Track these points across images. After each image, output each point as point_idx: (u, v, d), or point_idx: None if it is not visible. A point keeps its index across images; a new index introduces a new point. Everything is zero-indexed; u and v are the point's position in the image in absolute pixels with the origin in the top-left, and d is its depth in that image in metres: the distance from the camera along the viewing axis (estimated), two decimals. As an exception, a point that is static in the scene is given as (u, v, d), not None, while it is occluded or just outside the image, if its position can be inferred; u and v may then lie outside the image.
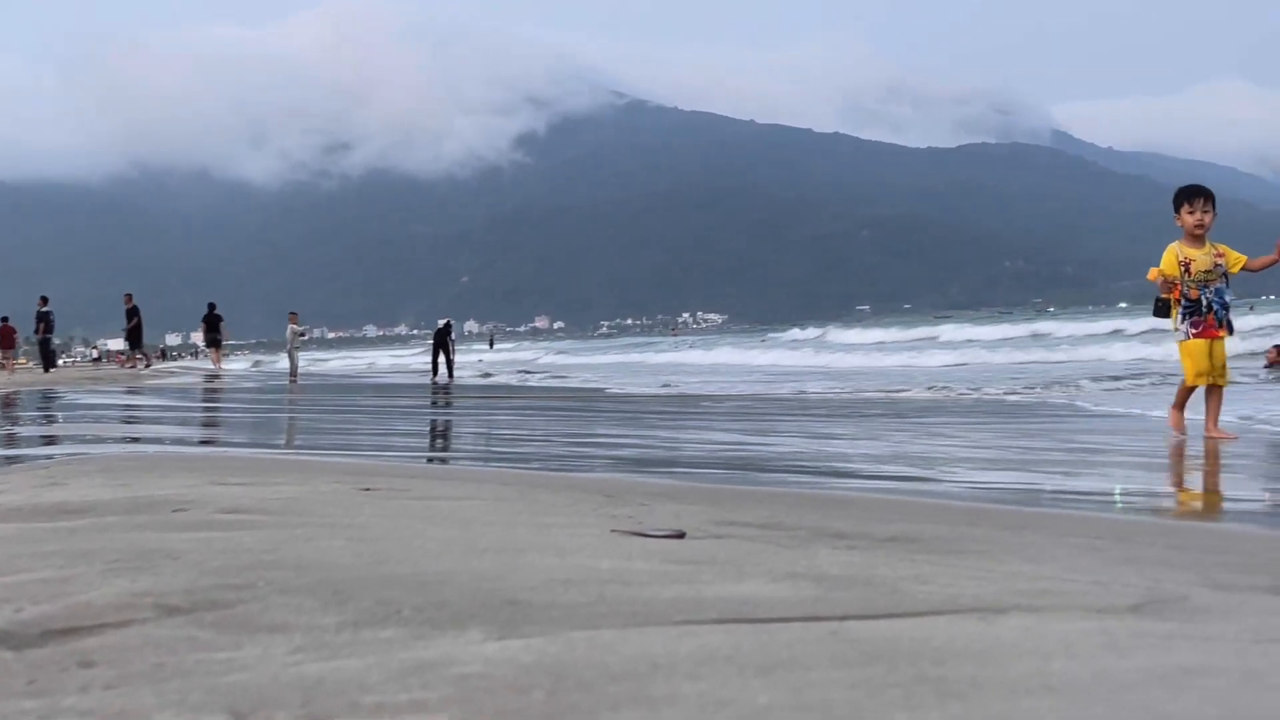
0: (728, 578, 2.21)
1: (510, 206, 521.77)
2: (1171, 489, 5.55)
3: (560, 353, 66.34)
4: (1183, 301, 7.80)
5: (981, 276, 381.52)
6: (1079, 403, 13.04)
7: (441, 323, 33.99)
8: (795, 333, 72.58)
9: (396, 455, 7.42)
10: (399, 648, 1.60)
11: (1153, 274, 7.93)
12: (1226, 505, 4.89)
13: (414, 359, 57.83)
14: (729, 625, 1.75)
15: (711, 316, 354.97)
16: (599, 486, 4.51)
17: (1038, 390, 15.88)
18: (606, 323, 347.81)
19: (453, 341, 33.41)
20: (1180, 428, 7.84)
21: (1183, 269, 7.77)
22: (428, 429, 11.09)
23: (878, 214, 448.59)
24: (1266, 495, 5.38)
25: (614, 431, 9.99)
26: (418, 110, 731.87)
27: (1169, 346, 22.00)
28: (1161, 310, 7.97)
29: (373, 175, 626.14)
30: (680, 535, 2.95)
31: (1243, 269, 7.83)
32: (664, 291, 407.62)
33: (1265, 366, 17.94)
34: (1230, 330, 7.86)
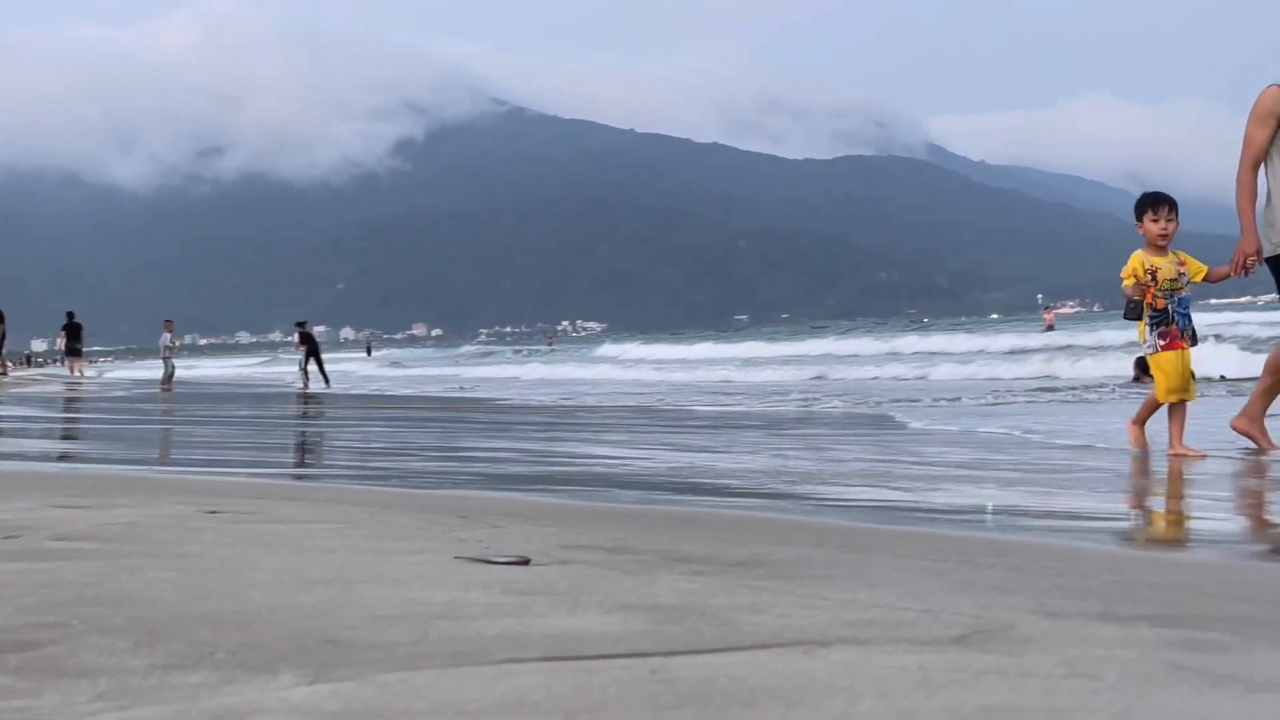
0: (561, 610, 2.20)
1: (388, 213, 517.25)
2: (1035, 505, 5.60)
3: (393, 364, 64.21)
4: (1149, 312, 7.63)
5: (857, 287, 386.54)
6: (933, 418, 13.23)
7: (307, 328, 33.35)
8: (608, 347, 71.50)
9: (254, 471, 7.28)
10: (205, 694, 1.56)
11: (1128, 280, 7.71)
12: (1080, 522, 4.94)
13: (288, 368, 56.99)
14: (551, 664, 1.73)
15: (591, 325, 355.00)
16: (455, 506, 4.46)
17: (883, 404, 16.07)
18: (485, 331, 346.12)
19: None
20: (1141, 443, 7.70)
21: (1149, 277, 7.61)
22: (293, 441, 10.92)
23: (756, 224, 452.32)
24: (1123, 509, 5.47)
25: (482, 444, 9.92)
26: (293, 115, 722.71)
27: (1029, 365, 22.22)
28: (1133, 313, 7.78)
29: (247, 180, 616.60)
30: (525, 562, 2.92)
31: (1203, 279, 7.78)
32: (543, 300, 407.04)
33: (1134, 379, 18.27)
34: (1194, 341, 7.73)
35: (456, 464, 7.86)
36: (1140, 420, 7.81)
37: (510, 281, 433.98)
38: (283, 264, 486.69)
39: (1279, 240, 7.50)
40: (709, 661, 1.78)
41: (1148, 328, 7.65)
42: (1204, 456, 7.26)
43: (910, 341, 39.45)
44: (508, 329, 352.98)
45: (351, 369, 53.30)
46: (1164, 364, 7.58)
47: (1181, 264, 7.69)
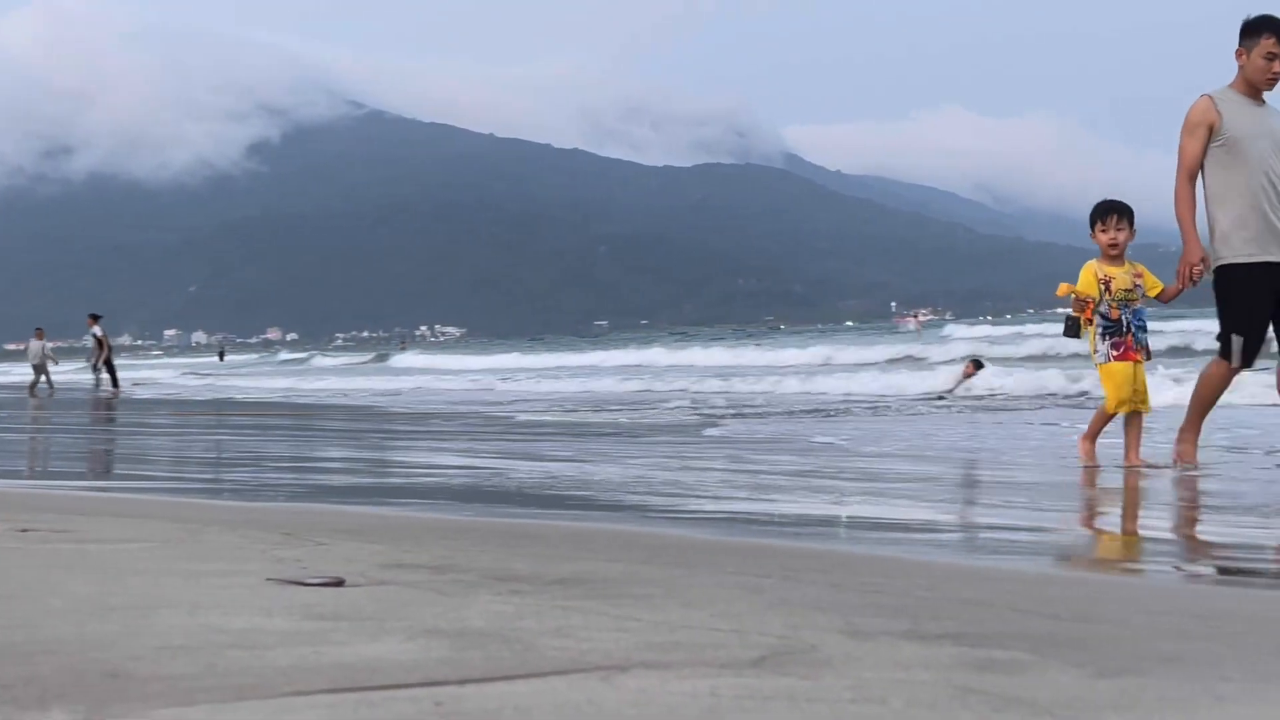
0: (362, 636, 2.17)
1: (242, 216, 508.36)
2: (876, 516, 5.65)
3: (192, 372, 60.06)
4: (1102, 322, 7.47)
5: (716, 294, 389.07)
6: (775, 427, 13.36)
7: (100, 325, 32.41)
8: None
9: (77, 484, 7.08)
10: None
11: (1063, 289, 7.61)
12: (914, 534, 5.00)
13: (137, 372, 55.64)
14: (336, 696, 1.70)
15: (450, 330, 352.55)
16: (282, 522, 4.38)
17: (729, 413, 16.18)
18: (342, 335, 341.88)
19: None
20: (1091, 457, 7.51)
21: (1103, 287, 7.47)
22: (126, 451, 10.65)
23: (616, 230, 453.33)
24: (962, 521, 5.54)
25: (327, 454, 9.77)
26: (145, 115, 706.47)
27: (860, 379, 22.46)
28: (1072, 329, 7.59)
29: (96, 181, 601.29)
30: (339, 583, 2.87)
31: (1157, 296, 7.59)
32: (402, 304, 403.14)
33: (955, 387, 18.53)
34: (1148, 355, 7.58)
35: (295, 475, 7.73)
36: (1091, 435, 7.59)
37: (368, 286, 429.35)
38: (134, 266, 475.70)
39: (1227, 253, 7.36)
40: (502, 690, 1.77)
41: (1099, 337, 7.49)
42: (1161, 467, 7.25)
43: (753, 353, 39.84)
44: (365, 333, 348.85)
45: (156, 375, 52.49)
46: (1114, 374, 7.42)
47: (1138, 275, 7.57)
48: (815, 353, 36.01)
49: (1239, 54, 7.42)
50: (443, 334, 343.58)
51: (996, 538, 4.97)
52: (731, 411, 15.77)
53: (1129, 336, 7.42)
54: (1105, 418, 7.51)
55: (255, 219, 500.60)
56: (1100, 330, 7.45)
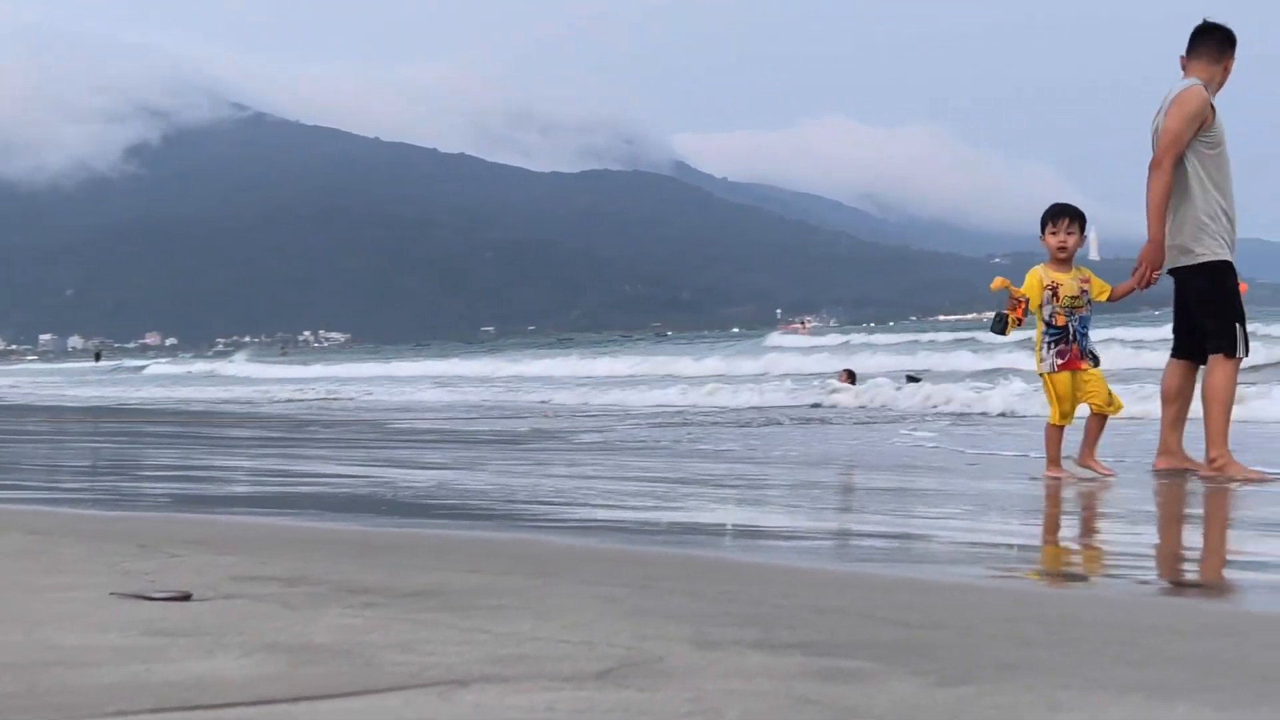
0: (199, 653, 2.11)
1: (121, 219, 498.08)
2: (740, 521, 5.68)
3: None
4: (1047, 330, 7.27)
5: (603, 300, 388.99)
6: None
7: None
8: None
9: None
10: None
11: (998, 283, 7.38)
12: (778, 540, 5.03)
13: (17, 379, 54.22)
14: (162, 715, 1.65)
15: (334, 335, 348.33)
16: (139, 532, 4.30)
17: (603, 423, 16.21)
18: (223, 340, 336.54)
19: None
20: (1062, 471, 7.32)
21: (1050, 293, 7.24)
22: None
23: (503, 236, 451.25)
24: (821, 526, 5.58)
25: (197, 461, 9.61)
26: (19, 117, 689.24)
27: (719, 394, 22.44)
28: (999, 326, 7.38)
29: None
30: (185, 597, 2.80)
31: (1108, 299, 7.42)
32: (284, 309, 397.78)
33: (834, 391, 18.57)
34: (1095, 361, 7.36)
35: (162, 483, 7.58)
36: (1054, 459, 7.34)
37: (250, 290, 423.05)
38: (8, 270, 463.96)
39: (1218, 250, 7.20)
40: (334, 708, 1.73)
41: (1044, 345, 7.32)
42: (1113, 474, 7.19)
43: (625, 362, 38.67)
44: (246, 338, 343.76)
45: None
46: (1057, 384, 7.26)
47: (1085, 281, 7.35)
48: (707, 365, 33.86)
49: (1226, 63, 7.36)
50: (327, 339, 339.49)
51: (863, 545, 5.02)
52: (615, 420, 15.78)
53: (1074, 345, 7.26)
54: (1055, 432, 7.31)
55: (134, 222, 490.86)
56: (1046, 339, 7.30)
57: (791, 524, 5.61)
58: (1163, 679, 2.20)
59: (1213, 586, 3.88)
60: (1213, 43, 7.38)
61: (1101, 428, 7.36)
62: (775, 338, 55.98)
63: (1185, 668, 2.34)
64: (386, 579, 3.23)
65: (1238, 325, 7.15)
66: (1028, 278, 7.37)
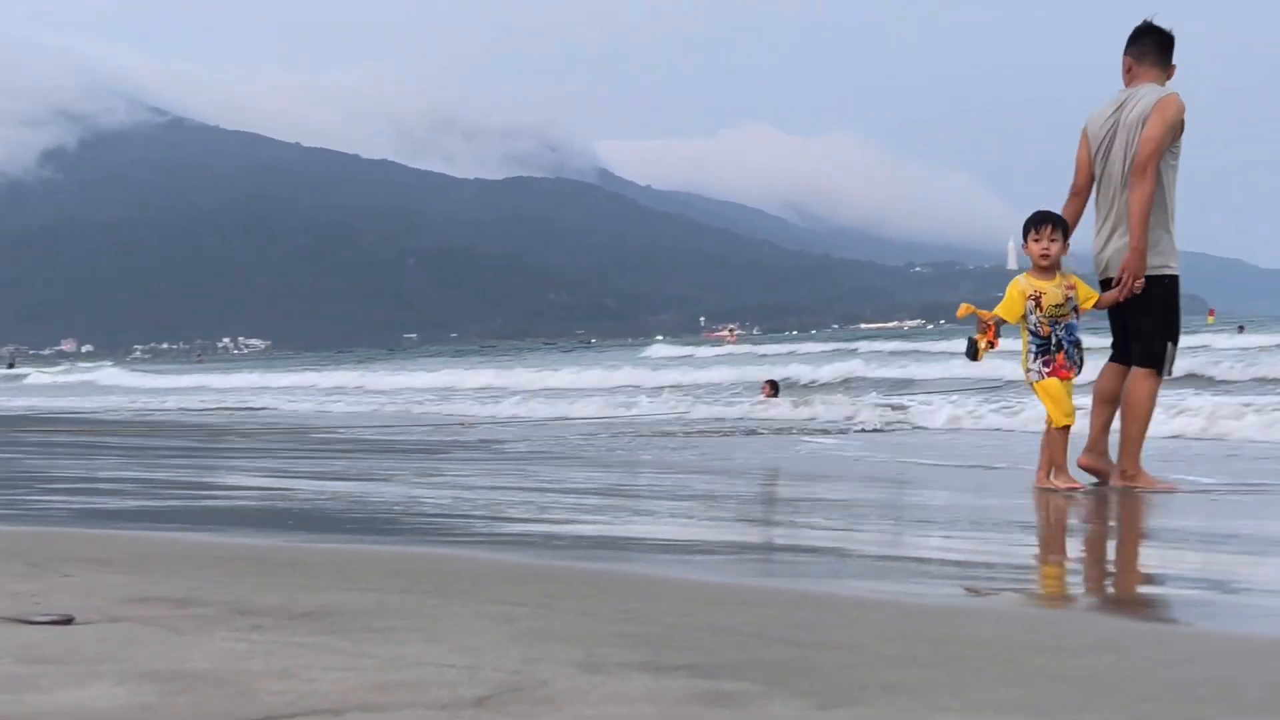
0: (71, 682, 2.06)
1: (36, 224, 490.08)
2: (652, 535, 5.64)
3: None
4: (1033, 339, 7.10)
5: (527, 307, 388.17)
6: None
7: None
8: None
9: None
10: None
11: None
12: (690, 555, 5.02)
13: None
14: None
15: (254, 342, 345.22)
16: (31, 550, 4.20)
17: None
18: (140, 347, 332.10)
19: None
20: (1071, 480, 7.12)
21: (1033, 302, 7.05)
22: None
23: (426, 243, 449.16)
24: (735, 538, 5.57)
25: (110, 473, 9.43)
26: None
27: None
28: (970, 351, 7.18)
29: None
30: (68, 620, 2.73)
31: (1093, 306, 7.20)
32: (203, 315, 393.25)
33: (758, 403, 18.45)
34: (1080, 369, 7.20)
35: (61, 496, 7.43)
36: (1058, 467, 7.14)
37: (168, 296, 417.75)
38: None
39: (1173, 264, 7.16)
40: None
41: (1030, 355, 7.14)
42: (1082, 486, 7.09)
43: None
44: (164, 345, 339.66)
45: None
46: (1050, 389, 7.07)
47: (1071, 288, 7.13)
48: (627, 374, 32.68)
49: (1172, 69, 7.31)
50: (246, 346, 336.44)
51: (773, 558, 5.03)
52: (534, 430, 15.72)
53: (1060, 354, 7.08)
54: (1059, 433, 7.12)
55: (50, 228, 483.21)
56: (1031, 349, 7.13)
57: (706, 536, 5.60)
58: (1044, 699, 2.20)
59: (1104, 601, 3.92)
60: (1165, 46, 7.35)
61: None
62: (658, 348, 56.36)
63: (1068, 687, 2.34)
64: (280, 599, 3.19)
65: (1171, 345, 7.16)
66: (1009, 288, 7.16)
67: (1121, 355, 7.40)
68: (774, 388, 20.00)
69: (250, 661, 2.31)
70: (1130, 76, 7.34)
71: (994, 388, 19.20)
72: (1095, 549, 5.54)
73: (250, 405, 26.97)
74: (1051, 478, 7.11)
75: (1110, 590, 4.22)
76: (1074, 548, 5.51)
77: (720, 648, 2.69)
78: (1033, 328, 7.10)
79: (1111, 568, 4.93)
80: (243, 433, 16.09)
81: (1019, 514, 6.49)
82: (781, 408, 17.19)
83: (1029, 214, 7.25)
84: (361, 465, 10.22)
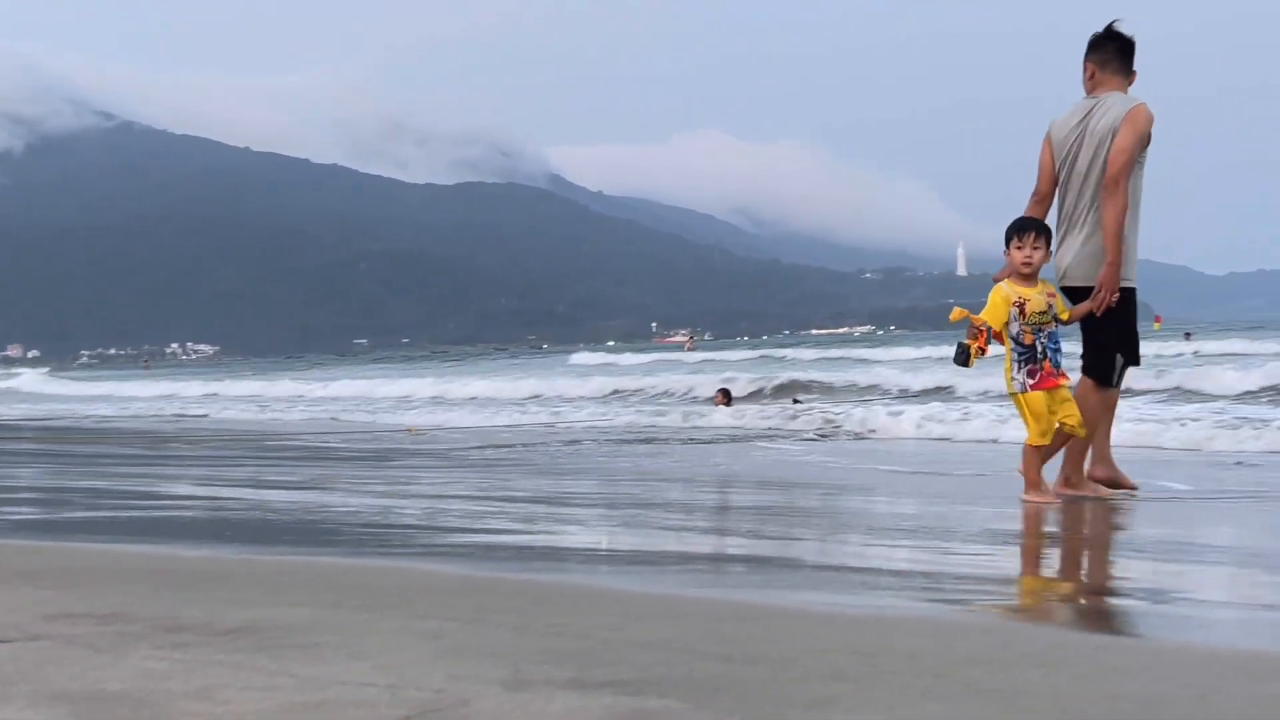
0: (-19, 704, 1.97)
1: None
2: (591, 545, 5.62)
3: None
4: (1016, 348, 6.93)
5: (479, 312, 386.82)
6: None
7: None
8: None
9: None
10: None
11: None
12: (627, 566, 4.99)
13: None
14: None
15: (203, 348, 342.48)
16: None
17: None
18: (87, 352, 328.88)
19: None
20: (1044, 494, 6.98)
21: (1016, 309, 6.91)
22: None
23: (377, 247, 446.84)
24: (675, 548, 5.54)
25: (48, 483, 9.31)
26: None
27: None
28: (961, 357, 7.02)
29: None
30: (-14, 640, 2.68)
31: (1067, 320, 7.05)
32: (152, 321, 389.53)
33: (708, 414, 18.32)
34: (1066, 376, 7.01)
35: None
36: (1033, 483, 6.99)
37: (117, 301, 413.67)
38: None
39: (1131, 275, 7.11)
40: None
41: (1014, 365, 6.96)
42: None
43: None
44: (113, 350, 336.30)
45: None
46: (1032, 404, 6.91)
47: (1052, 295, 7.02)
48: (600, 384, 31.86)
49: (1133, 75, 7.27)
50: (195, 351, 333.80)
51: (712, 568, 5.01)
52: (480, 438, 15.65)
53: (1045, 362, 6.92)
54: (1035, 451, 6.99)
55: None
56: (1015, 358, 6.96)
57: (648, 545, 5.58)
58: (967, 714, 2.19)
59: (1038, 612, 3.92)
60: (1127, 52, 7.30)
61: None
62: (580, 356, 56.45)
63: (993, 701, 2.34)
64: (206, 615, 3.16)
65: (1120, 357, 7.14)
66: (992, 295, 7.03)
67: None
68: (727, 396, 19.96)
69: (169, 681, 2.26)
70: (1093, 83, 7.29)
71: (942, 394, 19.25)
72: (1036, 559, 5.55)
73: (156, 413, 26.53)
74: (1023, 493, 7.00)
75: (1047, 601, 4.22)
76: (1015, 558, 5.52)
77: (649, 663, 2.66)
78: (1015, 336, 6.96)
79: (1052, 578, 4.94)
80: (163, 438, 15.93)
81: (965, 522, 6.50)
82: (729, 414, 17.21)
83: (1011, 220, 7.15)
84: (304, 473, 10.14)
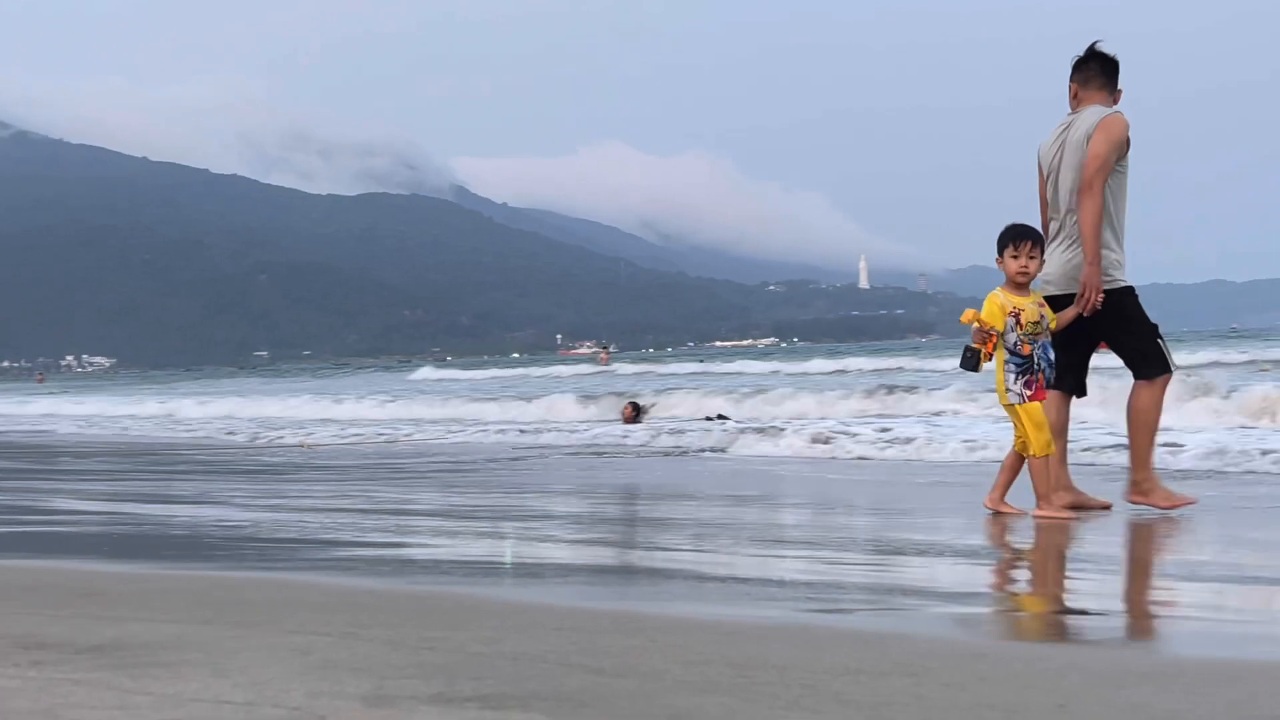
0: None
1: None
2: (483, 556, 5.58)
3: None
4: (1012, 359, 6.79)
5: (382, 324, 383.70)
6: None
7: None
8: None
9: None
10: None
11: (968, 316, 6.88)
12: (520, 578, 4.97)
13: None
14: None
15: (99, 360, 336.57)
16: None
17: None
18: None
19: None
20: (1057, 508, 6.75)
21: (1012, 319, 6.79)
22: None
23: (278, 259, 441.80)
24: (567, 558, 5.52)
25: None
26: None
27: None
28: (970, 362, 6.86)
29: None
30: None
31: (1056, 328, 6.91)
32: (45, 333, 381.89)
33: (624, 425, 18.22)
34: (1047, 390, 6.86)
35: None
36: (1044, 487, 6.78)
37: (10, 313, 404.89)
38: None
39: (1122, 276, 7.05)
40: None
41: (1010, 375, 6.80)
42: (1024, 514, 6.76)
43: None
44: (5, 363, 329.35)
45: None
46: (1033, 414, 6.78)
47: (1042, 305, 6.90)
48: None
49: (1118, 94, 7.31)
50: (91, 364, 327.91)
51: (599, 580, 4.99)
52: (375, 451, 15.53)
53: (1040, 374, 6.81)
54: (1042, 465, 6.77)
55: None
56: (1010, 368, 6.81)
57: (532, 556, 5.56)
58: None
59: (916, 620, 3.94)
60: (1110, 70, 7.35)
61: (1020, 469, 6.98)
62: (425, 370, 57.10)
63: (859, 711, 2.36)
64: (71, 632, 3.10)
65: (1160, 341, 7.08)
66: (987, 303, 6.91)
67: (1061, 382, 7.09)
68: (636, 409, 19.78)
69: (16, 700, 2.20)
70: (1076, 102, 7.37)
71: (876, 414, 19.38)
72: (931, 570, 5.59)
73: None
74: (1035, 509, 6.77)
75: (927, 611, 4.24)
76: (905, 568, 5.55)
77: (519, 677, 2.66)
78: (1012, 346, 6.82)
79: (934, 588, 4.97)
80: (93, 454, 15.63)
81: (853, 534, 6.55)
82: (633, 429, 17.13)
83: (1005, 227, 6.98)
84: (190, 487, 9.99)
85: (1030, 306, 6.83)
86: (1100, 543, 6.14)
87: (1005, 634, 3.66)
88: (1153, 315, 7.28)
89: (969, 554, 5.78)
